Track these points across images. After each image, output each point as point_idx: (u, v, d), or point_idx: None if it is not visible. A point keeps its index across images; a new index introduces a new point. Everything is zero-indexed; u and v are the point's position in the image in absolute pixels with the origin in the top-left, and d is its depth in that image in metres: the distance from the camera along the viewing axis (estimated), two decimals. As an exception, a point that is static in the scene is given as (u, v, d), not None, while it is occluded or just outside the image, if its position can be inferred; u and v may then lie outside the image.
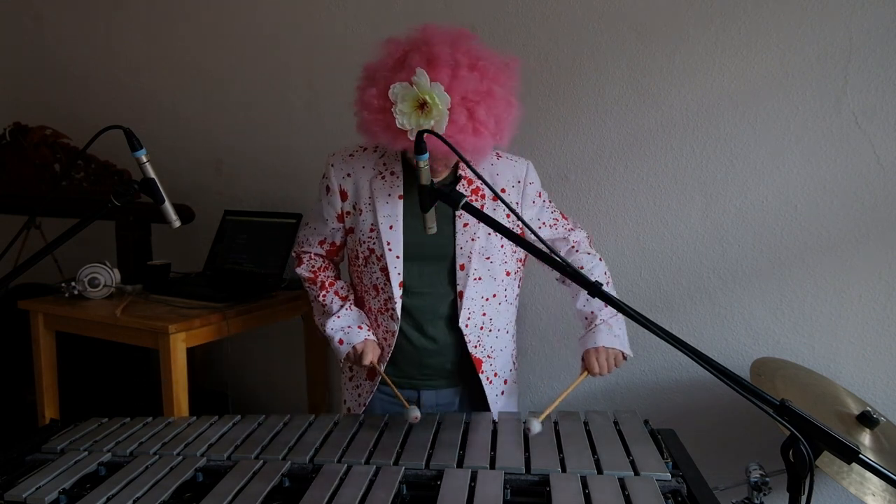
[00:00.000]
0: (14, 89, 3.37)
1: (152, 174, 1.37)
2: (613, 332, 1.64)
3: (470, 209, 1.29)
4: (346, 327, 1.68)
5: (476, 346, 1.70)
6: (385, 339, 1.72)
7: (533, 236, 1.20)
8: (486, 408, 1.71)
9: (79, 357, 2.73)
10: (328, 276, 1.79)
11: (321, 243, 1.79)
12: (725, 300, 2.11)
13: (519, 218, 1.23)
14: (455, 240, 1.65)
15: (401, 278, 1.66)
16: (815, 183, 1.97)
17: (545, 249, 1.18)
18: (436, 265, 1.67)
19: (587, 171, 2.23)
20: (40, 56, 3.28)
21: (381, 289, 1.69)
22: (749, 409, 2.04)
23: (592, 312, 1.68)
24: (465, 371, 1.72)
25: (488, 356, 1.72)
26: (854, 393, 1.89)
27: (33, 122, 2.93)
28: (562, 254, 1.76)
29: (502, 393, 1.76)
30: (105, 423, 1.60)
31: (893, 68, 1.86)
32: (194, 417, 1.61)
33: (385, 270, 1.66)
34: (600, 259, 1.79)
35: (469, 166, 1.33)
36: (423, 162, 1.30)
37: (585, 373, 1.60)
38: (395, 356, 1.73)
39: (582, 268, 1.72)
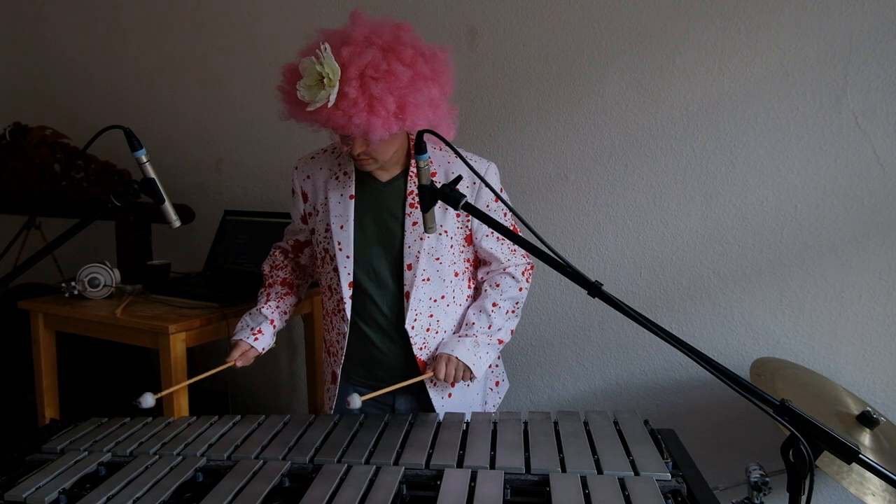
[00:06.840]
0: (14, 89, 3.37)
1: (152, 174, 1.37)
2: (478, 351, 1.63)
3: (470, 209, 1.29)
4: (247, 325, 1.76)
5: (421, 349, 1.68)
6: (337, 341, 1.73)
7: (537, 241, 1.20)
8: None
9: (79, 357, 2.73)
10: (277, 276, 1.85)
11: (290, 239, 1.88)
12: (725, 300, 2.11)
13: (516, 215, 1.21)
14: (403, 239, 1.63)
15: (350, 278, 1.66)
16: (815, 183, 1.97)
17: (545, 249, 1.18)
18: (384, 265, 1.66)
19: (587, 171, 2.23)
20: (40, 56, 3.28)
21: (334, 289, 1.70)
22: (749, 409, 2.05)
23: (473, 324, 1.67)
24: (412, 374, 1.68)
25: (432, 358, 1.69)
26: (854, 393, 1.89)
27: (33, 121, 2.93)
28: (490, 268, 1.73)
29: (449, 395, 1.71)
30: (105, 423, 1.60)
31: (893, 68, 1.86)
32: (194, 417, 1.61)
33: (337, 271, 1.67)
34: (521, 290, 1.72)
35: (462, 158, 1.32)
36: (423, 162, 1.30)
37: (431, 374, 1.63)
38: (357, 358, 1.72)
39: (498, 285, 1.70)
